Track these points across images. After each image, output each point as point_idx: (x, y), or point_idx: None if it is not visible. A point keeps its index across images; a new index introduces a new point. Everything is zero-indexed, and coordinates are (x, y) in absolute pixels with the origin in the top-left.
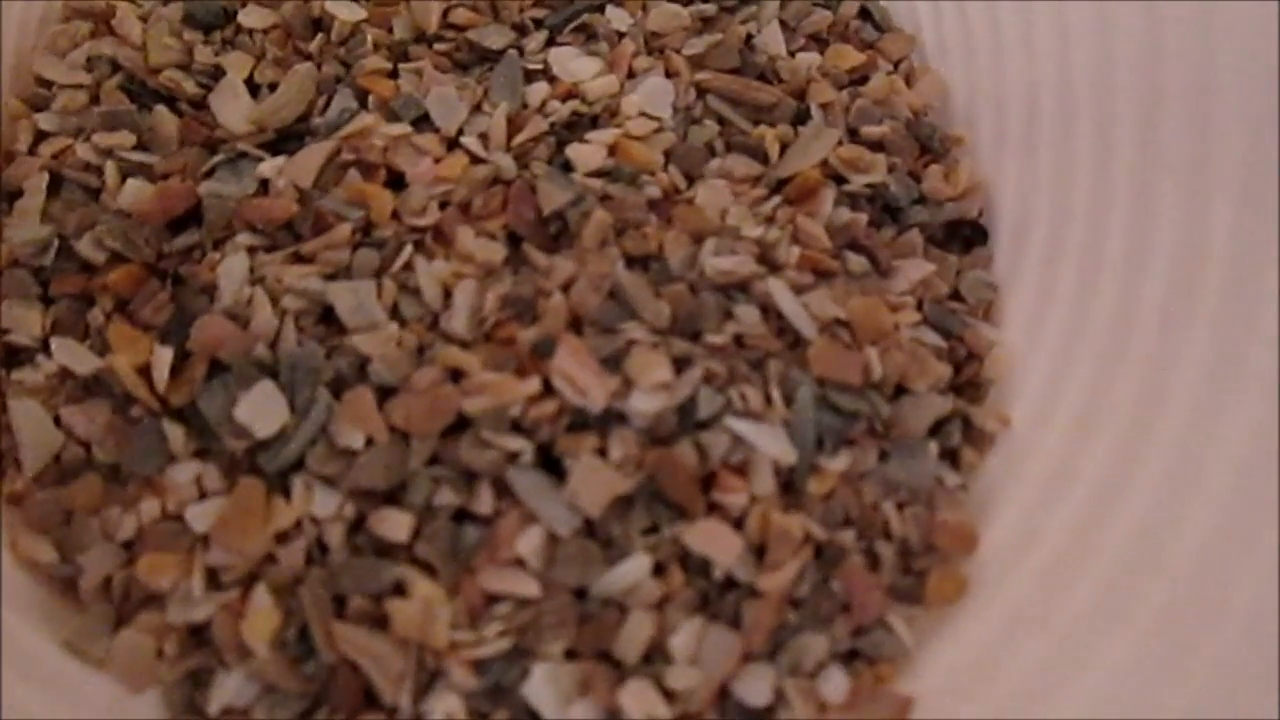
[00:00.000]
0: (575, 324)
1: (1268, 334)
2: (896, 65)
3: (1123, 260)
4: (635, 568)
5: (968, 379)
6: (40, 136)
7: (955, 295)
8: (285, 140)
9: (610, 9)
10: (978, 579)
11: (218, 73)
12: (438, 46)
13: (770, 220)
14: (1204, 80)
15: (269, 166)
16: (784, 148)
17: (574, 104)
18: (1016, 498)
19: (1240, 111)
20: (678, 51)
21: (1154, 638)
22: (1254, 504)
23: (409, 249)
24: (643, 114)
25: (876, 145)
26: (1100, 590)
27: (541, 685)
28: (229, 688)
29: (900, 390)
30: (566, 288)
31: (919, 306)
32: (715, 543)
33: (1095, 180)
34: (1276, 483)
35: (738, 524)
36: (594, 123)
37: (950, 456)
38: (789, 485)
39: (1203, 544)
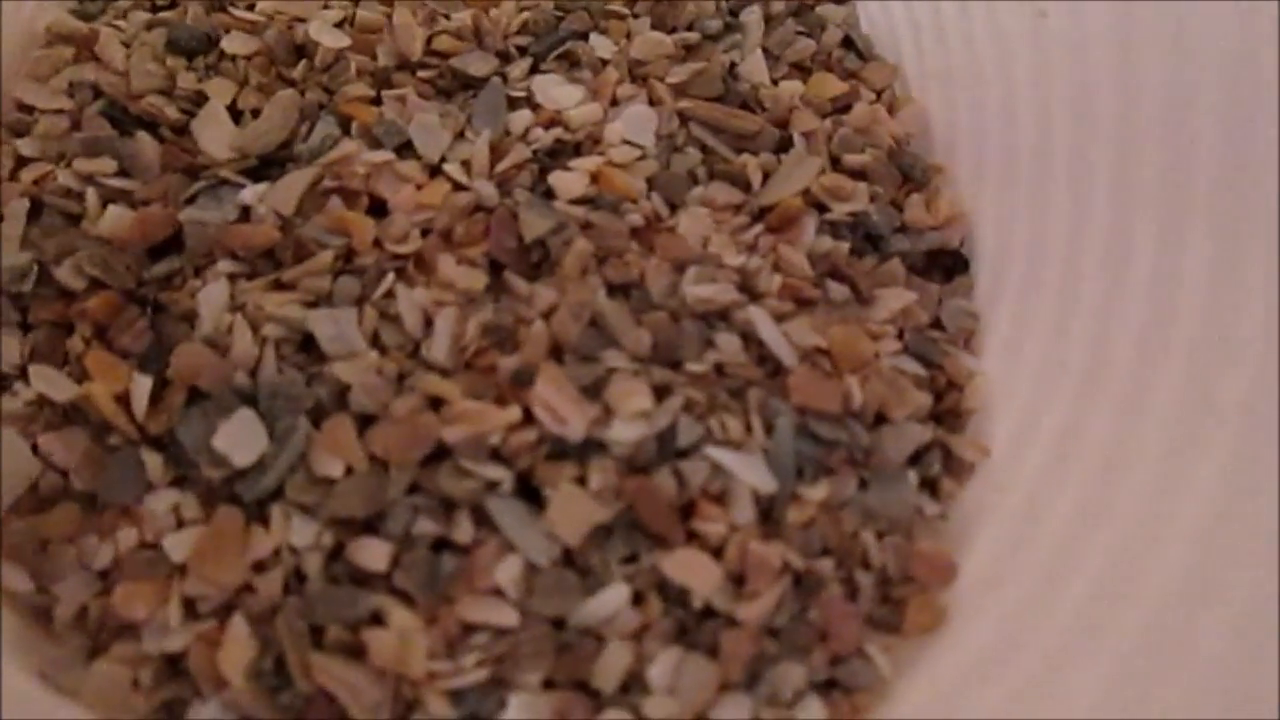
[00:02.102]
0: (556, 352)
1: (1243, 364)
2: (879, 94)
3: (1100, 290)
4: (614, 597)
5: (948, 408)
6: (21, 162)
7: (936, 324)
8: (267, 167)
9: (594, 37)
10: (956, 608)
11: (200, 99)
12: (421, 73)
13: (752, 248)
14: (1180, 111)
15: (250, 193)
16: (766, 176)
17: (557, 131)
18: (995, 527)
19: (1216, 143)
20: (661, 79)
21: (1130, 666)
22: (1229, 533)
23: (390, 277)
24: (625, 142)
25: (858, 174)
26: (1076, 619)
27: (519, 715)
28: (205, 718)
29: (880, 419)
30: (547, 316)
31: (900, 335)
32: (694, 572)
33: (1073, 210)
34: (1251, 512)
35: (716, 553)
36: (577, 150)
37: (930, 486)
38: (768, 514)
39: (1178, 573)
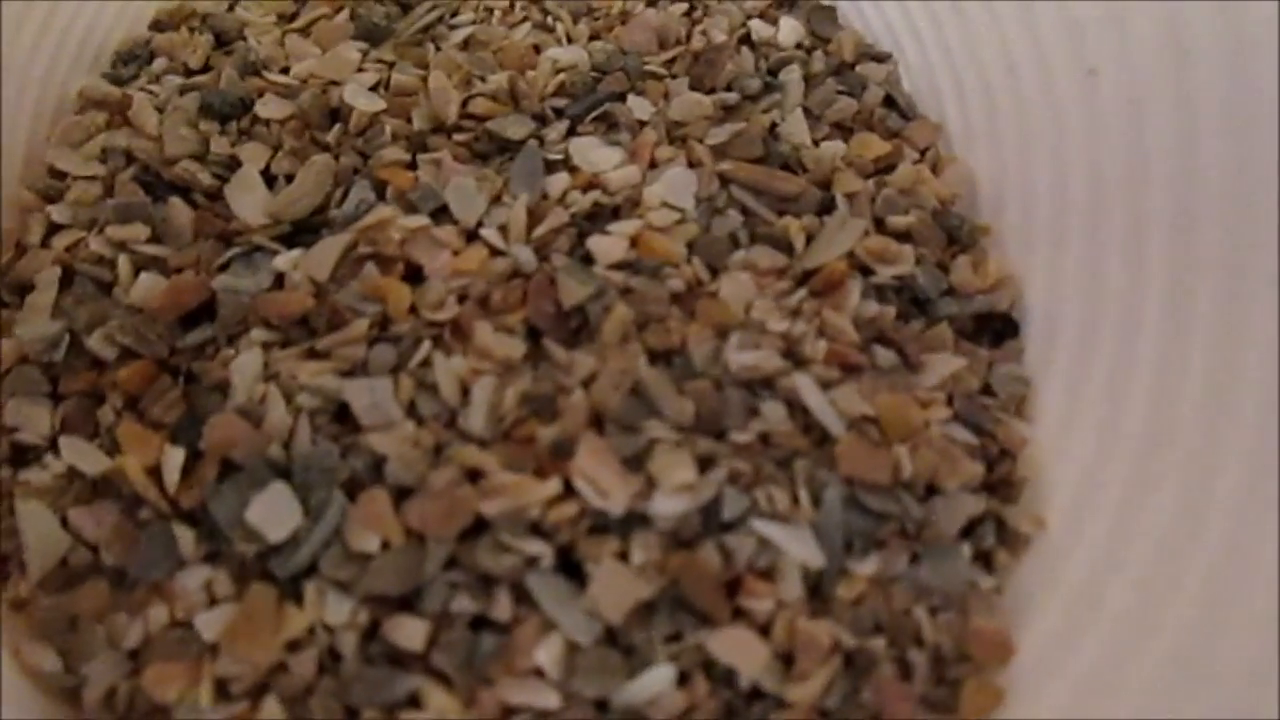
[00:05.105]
0: (596, 422)
1: None
2: (922, 154)
3: (1158, 353)
4: (658, 678)
5: (1000, 477)
6: (53, 229)
7: (986, 390)
8: (301, 233)
9: (632, 98)
10: (1014, 689)
11: (234, 164)
12: (457, 137)
13: (796, 313)
14: (1241, 173)
15: (284, 260)
16: (809, 239)
17: (595, 195)
18: (1053, 603)
19: (1276, 202)
20: (700, 141)
21: None
22: None
23: (426, 345)
24: (665, 205)
25: (903, 236)
26: (1141, 702)
27: None
28: None
29: (931, 489)
30: (587, 384)
31: (949, 402)
32: (741, 651)
33: (1128, 273)
34: None
35: (764, 631)
36: (615, 214)
37: (984, 559)
38: (817, 590)
39: (1249, 652)
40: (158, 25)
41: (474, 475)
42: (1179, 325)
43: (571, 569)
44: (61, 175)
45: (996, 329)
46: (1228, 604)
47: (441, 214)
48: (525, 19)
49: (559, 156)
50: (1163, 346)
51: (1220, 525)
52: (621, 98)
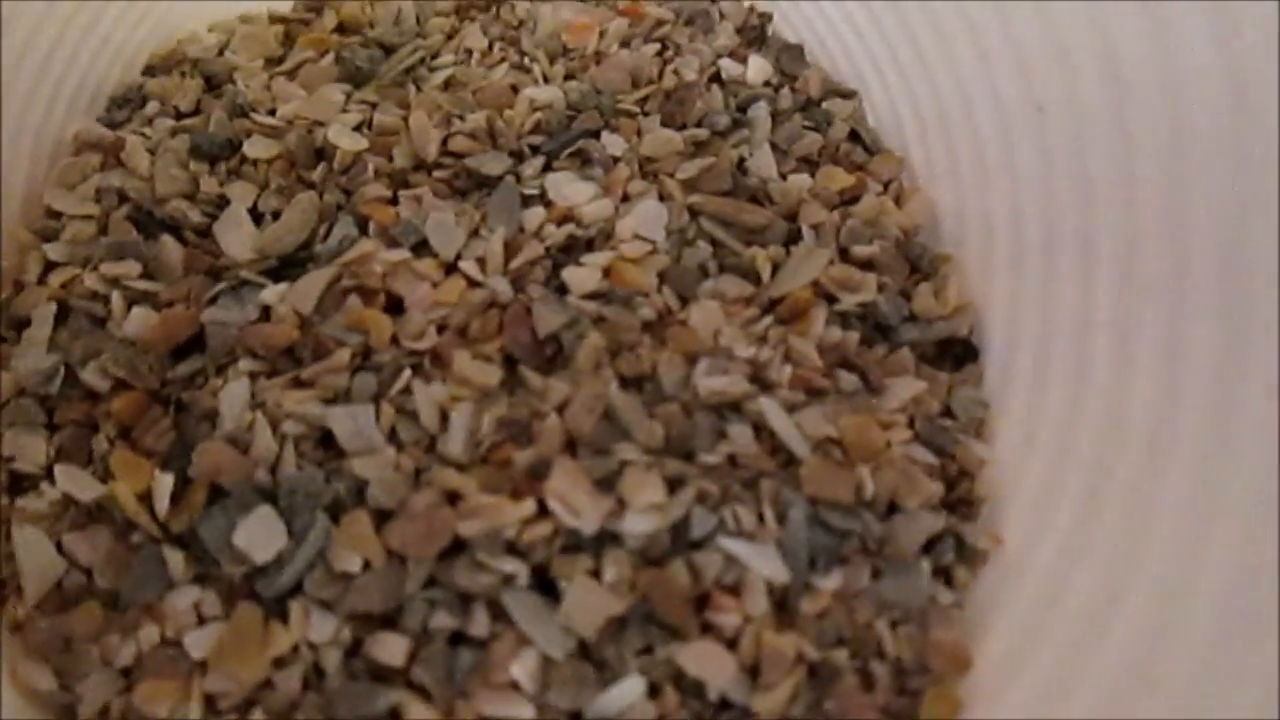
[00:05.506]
0: (570, 445)
1: (1251, 452)
2: (886, 186)
3: (1108, 377)
4: (630, 690)
5: (960, 496)
6: (49, 267)
7: (947, 413)
8: (287, 267)
9: (606, 135)
10: (972, 698)
11: (222, 202)
12: (437, 174)
13: (762, 340)
14: (1180, 200)
15: (271, 293)
16: (776, 268)
17: (569, 228)
18: (1010, 616)
19: (1216, 231)
20: (671, 175)
21: None
22: (1245, 621)
23: (407, 373)
24: (637, 237)
25: (867, 265)
26: (1094, 709)
27: None
28: None
29: (893, 508)
30: (561, 409)
31: (910, 424)
32: (709, 663)
33: (1080, 298)
34: (1266, 599)
35: (731, 644)
36: (589, 246)
37: (944, 575)
38: (782, 604)
39: (1196, 663)
40: (150, 70)
41: (453, 497)
42: (1126, 349)
43: (546, 586)
44: (58, 215)
45: (957, 354)
46: (1174, 614)
47: (422, 248)
48: (503, 60)
49: (535, 191)
50: (1111, 370)
51: (1165, 540)
52: (596, 135)
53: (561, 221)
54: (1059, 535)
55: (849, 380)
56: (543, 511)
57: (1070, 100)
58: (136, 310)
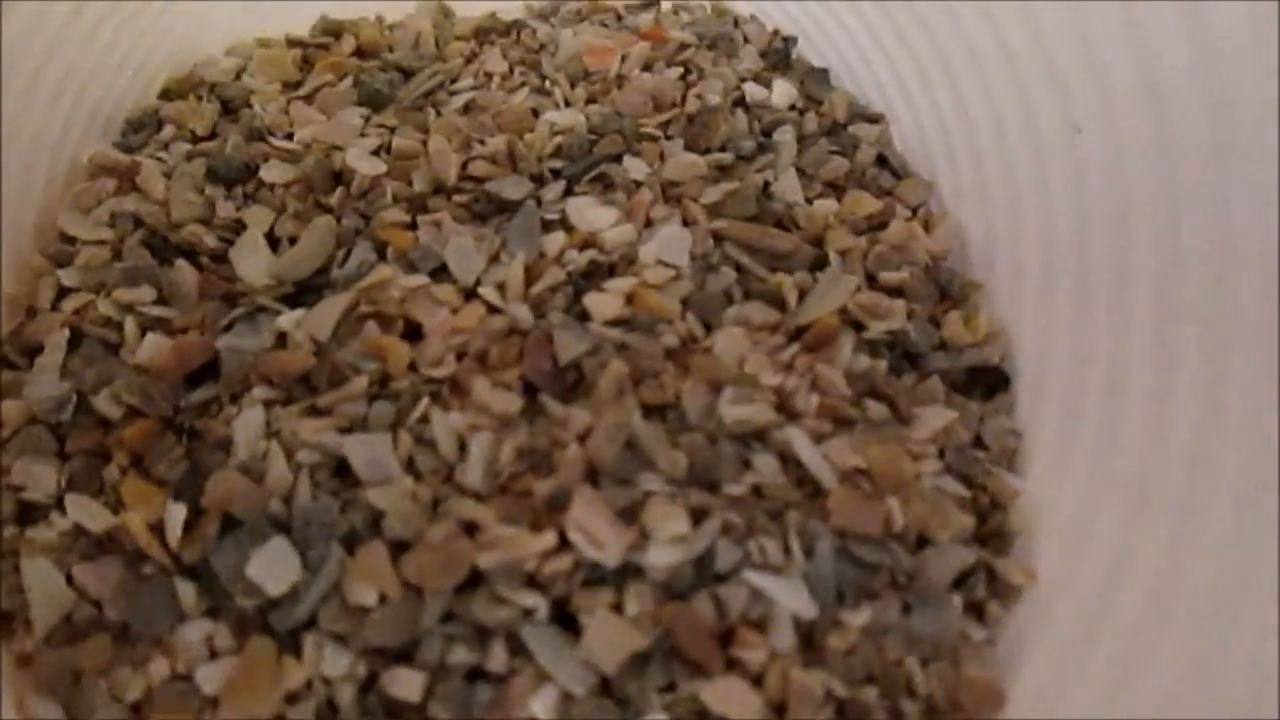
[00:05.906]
0: (591, 475)
1: None
2: (914, 211)
3: (1146, 405)
4: None
5: (992, 529)
6: (63, 292)
7: (978, 442)
8: (304, 293)
9: (628, 159)
10: None
11: (239, 227)
12: (456, 198)
13: (788, 368)
14: (1221, 222)
15: (287, 319)
16: (802, 295)
17: (591, 253)
18: (1044, 653)
19: (1259, 253)
20: (695, 200)
21: None
22: None
23: (425, 401)
24: (660, 262)
25: (895, 291)
26: None
27: None
28: None
29: (922, 541)
30: (583, 438)
31: (940, 454)
32: (734, 701)
33: (1115, 324)
34: None
35: (757, 681)
36: (611, 271)
37: (975, 610)
38: (809, 640)
39: (1238, 700)
40: (167, 94)
41: (471, 528)
42: (1164, 375)
43: (566, 620)
44: (72, 240)
45: (988, 382)
46: (1216, 650)
47: (441, 273)
48: (524, 84)
49: (556, 216)
50: (1149, 397)
51: (1207, 573)
52: (618, 159)
53: (583, 247)
54: (1095, 569)
55: (877, 409)
56: (563, 543)
57: (1107, 120)
58: (150, 337)
